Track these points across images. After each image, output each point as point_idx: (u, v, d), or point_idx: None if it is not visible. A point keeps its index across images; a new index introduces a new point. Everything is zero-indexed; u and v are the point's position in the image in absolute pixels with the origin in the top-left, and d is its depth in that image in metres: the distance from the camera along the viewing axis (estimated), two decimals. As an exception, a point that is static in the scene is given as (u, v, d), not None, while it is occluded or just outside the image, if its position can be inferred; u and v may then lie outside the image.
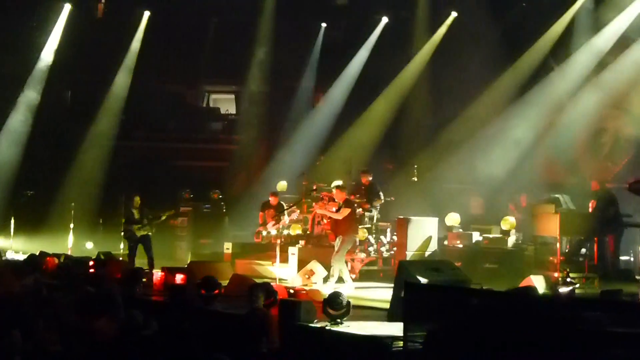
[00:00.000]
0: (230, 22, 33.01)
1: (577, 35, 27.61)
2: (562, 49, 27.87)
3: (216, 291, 16.27)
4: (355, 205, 21.44)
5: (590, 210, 21.35)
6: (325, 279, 20.00)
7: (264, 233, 24.10)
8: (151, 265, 22.01)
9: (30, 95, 31.75)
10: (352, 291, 18.61)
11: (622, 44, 26.82)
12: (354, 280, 20.64)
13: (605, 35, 26.88)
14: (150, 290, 18.31)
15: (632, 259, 22.84)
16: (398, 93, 31.10)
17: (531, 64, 28.39)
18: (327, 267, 20.15)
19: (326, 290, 17.24)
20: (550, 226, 20.05)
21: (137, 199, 23.11)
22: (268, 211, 24.27)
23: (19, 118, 31.73)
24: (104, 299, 10.62)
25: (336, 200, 20.50)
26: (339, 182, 21.70)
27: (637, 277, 19.06)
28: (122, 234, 23.29)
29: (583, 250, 20.89)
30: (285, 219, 23.10)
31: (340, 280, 19.65)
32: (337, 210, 20.14)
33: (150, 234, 22.91)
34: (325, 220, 22.52)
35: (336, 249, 19.91)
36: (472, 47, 29.32)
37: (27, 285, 15.36)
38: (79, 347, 9.82)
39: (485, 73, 28.94)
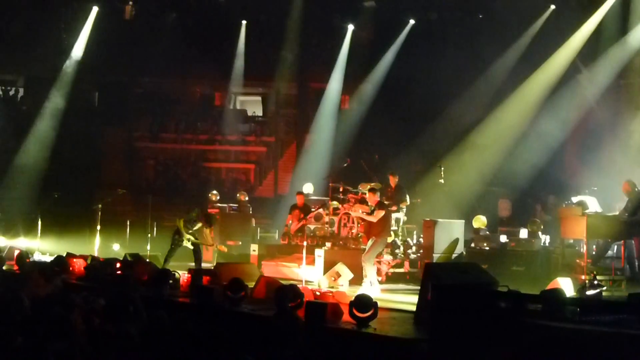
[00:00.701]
0: (257, 25, 33.06)
1: (605, 37, 27.46)
2: (590, 50, 27.74)
3: (242, 293, 16.28)
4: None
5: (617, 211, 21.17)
6: (352, 282, 20.02)
7: (290, 235, 24.15)
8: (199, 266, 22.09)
9: (57, 98, 31.90)
10: (378, 294, 18.57)
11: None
12: (381, 282, 20.61)
13: (634, 36, 26.73)
14: (177, 291, 18.31)
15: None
16: (425, 95, 31.03)
17: (559, 66, 28.26)
18: (353, 269, 20.15)
19: (363, 290, 17.34)
20: (578, 229, 19.85)
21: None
22: (294, 212, 24.34)
23: (47, 121, 31.87)
24: (128, 302, 10.66)
25: (369, 203, 20.46)
26: (372, 185, 21.73)
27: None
28: (174, 232, 22.93)
29: (610, 253, 20.72)
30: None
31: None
32: (371, 213, 20.09)
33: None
34: (360, 223, 22.30)
35: (367, 249, 19.89)
36: (500, 48, 29.26)
37: (56, 286, 15.46)
38: (106, 349, 9.87)
39: (514, 75, 28.89)
